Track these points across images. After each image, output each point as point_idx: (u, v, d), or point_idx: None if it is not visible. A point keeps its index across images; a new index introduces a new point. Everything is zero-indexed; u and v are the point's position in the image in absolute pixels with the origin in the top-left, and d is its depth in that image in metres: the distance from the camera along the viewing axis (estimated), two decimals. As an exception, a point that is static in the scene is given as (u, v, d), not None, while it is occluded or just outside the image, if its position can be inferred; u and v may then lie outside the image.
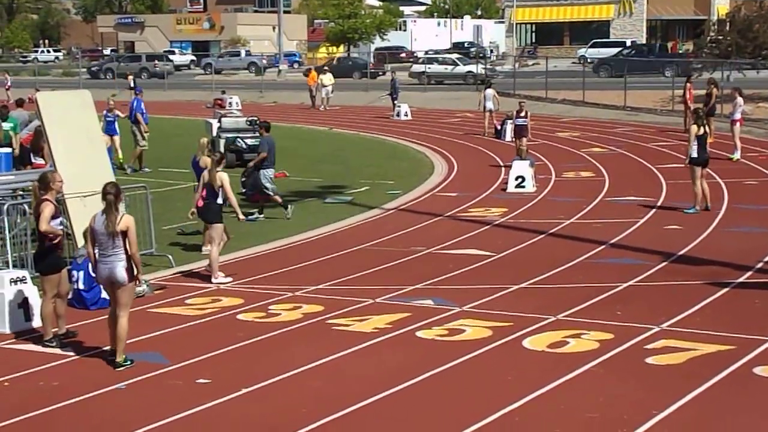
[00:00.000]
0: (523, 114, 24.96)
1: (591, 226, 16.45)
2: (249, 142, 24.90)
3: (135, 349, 9.91)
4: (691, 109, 20.43)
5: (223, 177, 13.37)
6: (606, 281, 12.65)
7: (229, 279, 13.14)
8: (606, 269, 13.45)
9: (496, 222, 17.29)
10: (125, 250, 9.55)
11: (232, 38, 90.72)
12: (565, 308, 11.33)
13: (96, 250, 9.62)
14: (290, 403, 8.49)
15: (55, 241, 10.22)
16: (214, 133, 26.98)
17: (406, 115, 38.23)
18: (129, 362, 9.57)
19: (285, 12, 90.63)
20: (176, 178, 23.45)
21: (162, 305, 11.93)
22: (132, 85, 40.27)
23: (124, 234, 9.53)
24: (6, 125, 20.80)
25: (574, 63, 64.32)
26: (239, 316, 11.45)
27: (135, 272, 9.65)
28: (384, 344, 10.24)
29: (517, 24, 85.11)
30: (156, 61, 69.31)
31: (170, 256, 14.31)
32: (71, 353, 10.05)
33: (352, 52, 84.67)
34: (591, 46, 71.21)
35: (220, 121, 27.28)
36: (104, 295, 11.84)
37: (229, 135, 25.69)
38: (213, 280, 13.12)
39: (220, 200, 13.36)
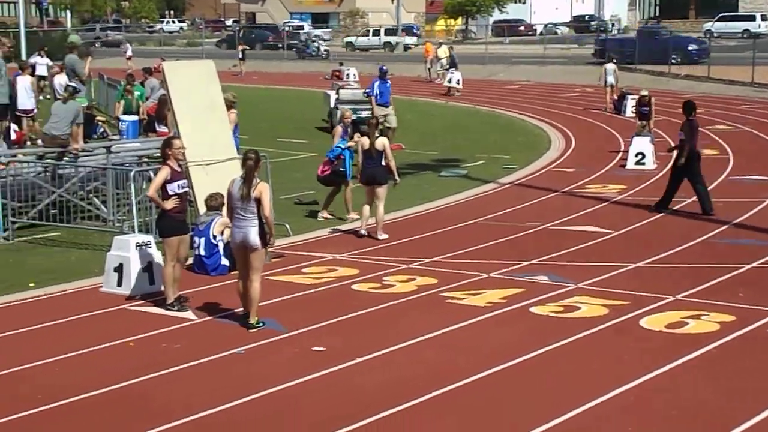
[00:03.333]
0: (646, 103, 23.87)
1: (714, 205, 15.99)
2: (365, 114, 25.01)
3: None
4: None
5: (384, 141, 14.20)
6: (728, 262, 12.31)
7: (386, 236, 14.06)
8: (728, 249, 13.09)
9: (614, 199, 17.00)
10: (259, 216, 9.79)
11: (351, 10, 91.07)
12: (685, 288, 11.08)
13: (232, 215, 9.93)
14: (403, 374, 8.56)
15: (173, 206, 10.50)
16: (332, 105, 27.26)
17: (458, 83, 37.86)
18: (261, 324, 9.84)
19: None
20: (295, 148, 23.80)
21: (279, 273, 12.15)
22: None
23: (258, 200, 9.77)
24: (136, 93, 21.43)
25: (699, 37, 62.40)
26: (354, 287, 11.58)
27: (267, 238, 9.89)
28: (497, 319, 10.22)
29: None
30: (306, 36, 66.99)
31: (287, 225, 14.54)
32: (192, 317, 10.34)
33: (470, 25, 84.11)
34: (718, 20, 68.99)
35: (337, 93, 27.51)
36: (224, 261, 12.17)
37: (347, 106, 25.84)
38: (379, 236, 13.99)
39: (383, 162, 14.11)
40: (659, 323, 9.87)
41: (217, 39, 73.93)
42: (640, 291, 11.00)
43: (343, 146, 15.53)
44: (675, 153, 15.80)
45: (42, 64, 29.69)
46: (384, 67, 24.78)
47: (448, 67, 40.60)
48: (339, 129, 16.25)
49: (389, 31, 72.29)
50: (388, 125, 22.98)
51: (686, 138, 15.48)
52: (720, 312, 10.16)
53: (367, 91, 24.58)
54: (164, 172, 10.42)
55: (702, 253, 12.91)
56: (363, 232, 14.25)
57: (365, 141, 14.25)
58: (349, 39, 72.74)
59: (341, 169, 15.44)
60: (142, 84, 22.74)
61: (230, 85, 27.93)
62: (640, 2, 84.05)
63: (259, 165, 9.94)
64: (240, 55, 48.92)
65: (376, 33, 71.63)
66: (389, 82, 24.37)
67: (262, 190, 9.85)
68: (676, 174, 15.67)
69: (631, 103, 29.73)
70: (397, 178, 14.57)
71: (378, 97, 23.41)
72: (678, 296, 10.82)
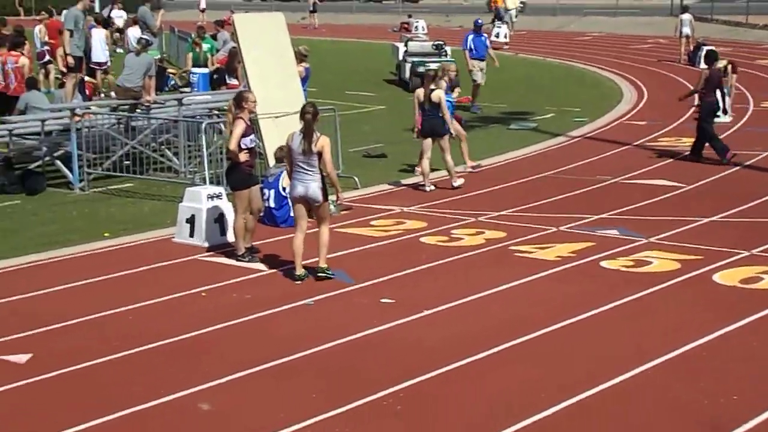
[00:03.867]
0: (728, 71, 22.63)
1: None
2: (434, 66, 24.85)
3: (322, 266, 10.20)
4: None
5: (440, 93, 14.11)
6: (805, 218, 12.04)
7: (462, 180, 14.32)
8: (806, 205, 12.80)
9: (688, 152, 16.69)
10: (320, 170, 9.81)
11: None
12: (761, 243, 10.87)
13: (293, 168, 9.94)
14: (470, 328, 8.56)
15: (245, 159, 10.57)
16: (400, 57, 27.14)
17: (506, 37, 37.24)
18: (330, 272, 9.90)
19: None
20: (363, 101, 23.79)
21: (348, 225, 12.20)
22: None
23: (320, 154, 9.77)
24: (205, 46, 21.57)
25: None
26: (422, 239, 11.58)
27: (333, 192, 9.90)
28: (567, 273, 10.14)
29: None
30: None
31: (356, 178, 14.57)
32: (262, 268, 10.45)
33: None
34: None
35: (406, 45, 27.37)
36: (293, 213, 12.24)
37: (415, 59, 25.74)
38: (454, 183, 14.20)
39: (439, 114, 14.07)
40: (733, 278, 9.71)
41: None
42: (714, 246, 10.83)
43: (452, 100, 15.28)
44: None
45: (119, 16, 30.04)
46: (479, 21, 23.55)
47: (492, 19, 39.77)
48: (443, 83, 15.38)
49: None
50: (474, 80, 22.36)
51: (703, 88, 15.86)
52: (796, 268, 9.96)
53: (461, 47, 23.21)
54: (241, 126, 10.47)
55: (777, 209, 12.64)
56: (429, 188, 14.18)
57: (421, 93, 14.17)
58: None
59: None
60: (213, 37, 22.88)
61: (300, 38, 27.95)
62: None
63: (317, 118, 9.88)
64: (311, 8, 48.89)
65: None
66: (484, 36, 23.22)
67: (324, 144, 9.82)
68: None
69: (704, 53, 29.06)
70: (452, 131, 14.48)
71: (473, 51, 22.41)
72: (753, 251, 10.62)
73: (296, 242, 9.99)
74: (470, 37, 22.65)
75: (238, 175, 10.63)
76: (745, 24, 40.22)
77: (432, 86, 14.16)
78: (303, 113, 9.84)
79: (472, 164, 15.52)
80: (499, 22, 38.52)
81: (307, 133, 9.76)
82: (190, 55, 21.70)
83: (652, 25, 42.90)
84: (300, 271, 9.94)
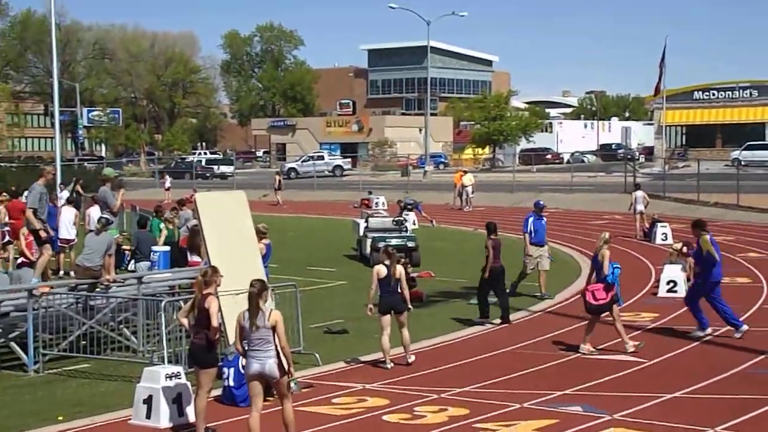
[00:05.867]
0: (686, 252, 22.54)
1: (749, 334, 15.75)
2: (395, 242, 25.13)
3: (282, 447, 9.95)
4: None
5: (401, 269, 14.32)
6: (767, 393, 12.02)
7: (413, 358, 14.31)
8: (767, 380, 12.80)
9: (648, 327, 16.79)
10: (275, 345, 9.72)
11: (380, 140, 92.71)
12: (724, 420, 10.81)
13: (246, 347, 9.83)
14: None
15: (218, 336, 10.56)
16: (361, 233, 27.43)
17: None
18: None
19: (432, 114, 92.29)
20: (324, 276, 23.83)
21: (309, 404, 11.99)
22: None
23: (274, 329, 9.71)
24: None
25: (726, 165, 62.68)
26: (385, 417, 11.40)
27: (287, 368, 9.80)
28: (532, 452, 9.98)
29: (666, 126, 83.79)
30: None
31: (317, 355, 14.44)
32: (220, 450, 10.18)
33: (498, 153, 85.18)
34: (745, 149, 69.40)
35: (366, 221, 27.72)
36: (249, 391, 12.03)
37: (376, 235, 26.02)
38: (408, 360, 14.18)
39: (399, 290, 14.21)
40: (699, 457, 9.60)
41: (157, 169, 75.60)
42: (678, 423, 10.75)
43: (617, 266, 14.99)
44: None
45: (61, 197, 30.21)
46: (541, 202, 21.76)
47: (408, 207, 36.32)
48: (607, 252, 14.99)
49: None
50: (541, 269, 20.86)
51: (490, 255, 17.43)
52: (761, 444, 9.88)
53: (524, 231, 21.23)
54: (216, 302, 10.53)
55: (740, 384, 12.64)
56: (390, 365, 14.05)
57: (382, 269, 14.17)
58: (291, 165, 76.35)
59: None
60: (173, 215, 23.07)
61: (263, 215, 28.22)
62: (666, 131, 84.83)
63: (263, 294, 9.86)
64: (276, 185, 49.84)
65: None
66: (545, 218, 21.61)
67: (277, 318, 9.80)
68: (482, 286, 17.60)
69: (661, 230, 29.75)
70: (410, 306, 14.50)
71: (532, 235, 20.93)
72: (717, 428, 10.54)
73: (252, 422, 9.80)
74: (530, 219, 21.02)
75: (214, 352, 10.58)
76: (697, 201, 41.33)
77: (387, 261, 14.17)
78: (249, 287, 9.83)
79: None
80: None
81: (252, 308, 9.72)
82: (165, 232, 21.75)
83: (607, 202, 43.96)
84: None
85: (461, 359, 14.59)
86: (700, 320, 15.85)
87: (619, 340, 14.77)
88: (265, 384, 9.81)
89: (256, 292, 9.75)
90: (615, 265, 15.06)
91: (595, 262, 15.25)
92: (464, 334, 16.75)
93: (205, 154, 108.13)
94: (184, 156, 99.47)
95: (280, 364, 9.73)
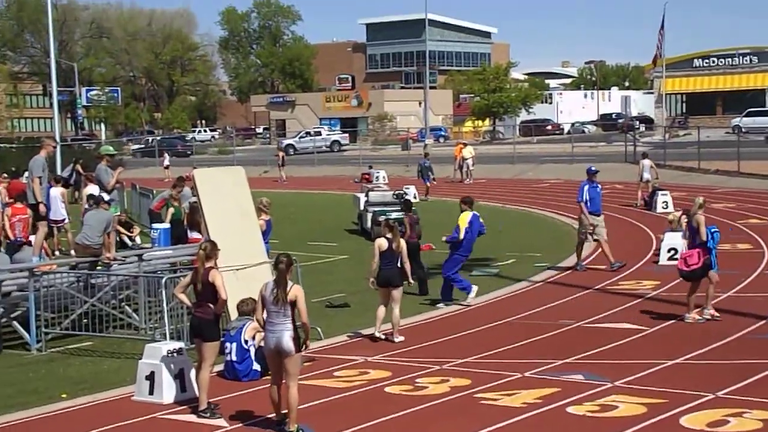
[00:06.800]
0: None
1: (751, 300, 15.78)
2: (395, 215, 25.10)
3: (285, 420, 9.99)
4: None
5: (402, 243, 14.26)
6: (767, 357, 12.05)
7: (402, 338, 14.05)
8: (767, 345, 12.83)
9: (649, 295, 16.81)
10: (293, 320, 9.74)
11: (379, 114, 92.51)
12: (725, 385, 10.84)
13: (265, 318, 9.89)
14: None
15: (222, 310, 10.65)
16: (362, 207, 27.43)
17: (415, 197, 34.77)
18: (302, 431, 9.69)
19: (431, 88, 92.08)
20: (325, 251, 23.85)
21: (311, 377, 12.03)
22: None
23: (293, 304, 9.73)
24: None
25: (727, 133, 62.52)
26: (387, 389, 11.43)
27: (303, 342, 9.83)
28: (533, 419, 10.02)
29: (667, 94, 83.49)
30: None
31: (319, 329, 14.47)
32: (224, 424, 10.23)
33: (498, 125, 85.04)
34: (746, 115, 69.20)
35: (367, 196, 27.71)
36: (255, 367, 12.08)
37: (376, 209, 26.01)
38: (395, 339, 13.98)
39: (399, 264, 14.11)
40: (700, 422, 9.64)
41: (137, 148, 77.64)
42: (679, 389, 10.78)
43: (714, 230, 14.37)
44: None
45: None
46: (593, 168, 20.68)
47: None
48: (702, 218, 14.42)
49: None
50: (596, 238, 19.94)
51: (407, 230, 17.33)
52: (762, 409, 9.91)
53: (577, 199, 20.09)
54: (221, 275, 10.58)
55: (740, 350, 12.67)
56: (378, 335, 14.10)
57: (383, 242, 14.17)
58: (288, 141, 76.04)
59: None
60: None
61: (264, 191, 28.20)
62: (666, 99, 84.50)
63: (290, 268, 9.94)
64: (280, 162, 49.82)
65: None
66: (599, 186, 20.29)
67: (297, 293, 9.82)
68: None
69: (661, 198, 29.73)
70: (410, 280, 14.52)
71: (588, 203, 19.73)
72: (718, 393, 10.58)
73: (271, 392, 9.98)
74: (585, 187, 19.78)
75: (218, 326, 10.62)
76: (698, 169, 41.28)
77: (388, 235, 14.15)
78: (277, 263, 9.90)
79: None
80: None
81: (280, 283, 9.75)
82: (171, 210, 21.65)
83: (609, 171, 43.83)
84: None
85: (461, 331, 14.61)
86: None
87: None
88: (280, 360, 9.80)
89: (284, 266, 9.78)
90: (713, 229, 14.46)
91: (691, 228, 14.76)
92: (465, 305, 16.75)
93: (205, 131, 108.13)
94: (184, 134, 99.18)
95: (296, 339, 9.73)
